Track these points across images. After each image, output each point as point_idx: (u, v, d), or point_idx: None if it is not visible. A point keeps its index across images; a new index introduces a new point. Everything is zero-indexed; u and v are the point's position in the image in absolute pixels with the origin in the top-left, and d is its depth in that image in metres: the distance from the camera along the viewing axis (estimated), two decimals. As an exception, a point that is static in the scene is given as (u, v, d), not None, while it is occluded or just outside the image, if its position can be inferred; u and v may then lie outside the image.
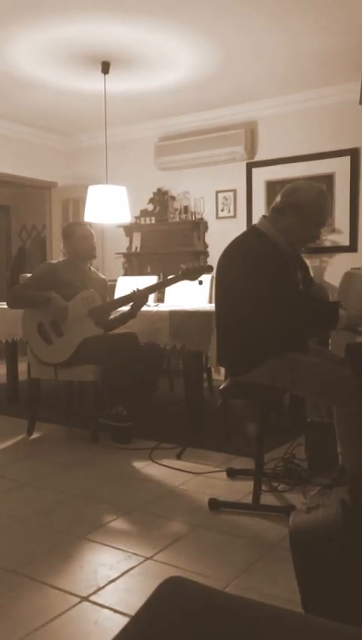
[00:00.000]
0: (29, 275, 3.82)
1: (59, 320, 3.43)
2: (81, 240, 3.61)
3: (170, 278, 3.55)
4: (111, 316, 3.60)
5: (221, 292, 2.54)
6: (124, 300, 3.55)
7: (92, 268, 3.81)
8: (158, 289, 3.61)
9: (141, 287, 3.53)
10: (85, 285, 3.58)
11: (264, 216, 2.54)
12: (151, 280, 4.76)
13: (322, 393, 2.37)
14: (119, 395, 3.50)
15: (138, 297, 3.46)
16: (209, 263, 5.91)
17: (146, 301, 3.52)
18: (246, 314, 2.40)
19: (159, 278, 5.21)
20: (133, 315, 3.53)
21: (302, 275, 2.62)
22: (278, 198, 2.49)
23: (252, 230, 2.56)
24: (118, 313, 3.62)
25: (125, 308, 3.59)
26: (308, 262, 2.94)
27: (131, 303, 3.51)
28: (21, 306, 3.53)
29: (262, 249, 2.42)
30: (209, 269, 3.42)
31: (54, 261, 3.81)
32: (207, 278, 4.72)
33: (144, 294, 3.46)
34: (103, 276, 3.90)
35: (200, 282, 3.48)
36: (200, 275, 3.38)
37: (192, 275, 3.37)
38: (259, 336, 2.40)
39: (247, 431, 3.37)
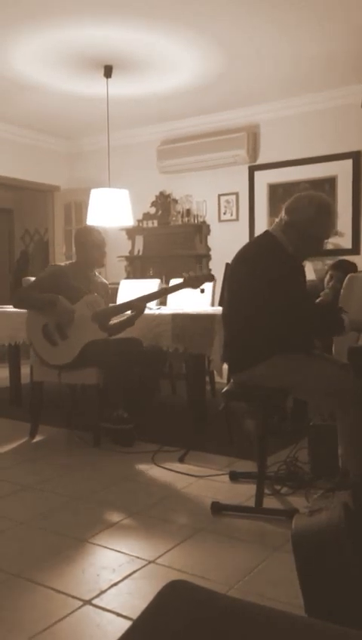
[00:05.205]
0: (33, 278, 3.83)
1: (65, 323, 3.44)
2: (93, 248, 3.63)
3: (173, 286, 3.58)
4: (114, 321, 3.61)
5: (231, 291, 2.61)
6: (126, 306, 3.57)
7: (96, 272, 3.83)
8: (160, 296, 3.63)
9: (144, 294, 3.54)
10: (90, 289, 3.60)
11: (277, 225, 2.58)
12: (154, 283, 4.77)
13: (325, 396, 2.38)
14: (120, 398, 3.51)
15: (136, 307, 3.47)
16: (211, 266, 5.98)
17: (144, 310, 3.52)
18: (255, 313, 2.45)
19: (161, 282, 5.21)
20: (130, 323, 3.53)
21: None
22: (283, 212, 2.52)
23: (265, 234, 2.62)
24: (123, 317, 3.63)
25: (127, 313, 3.60)
26: (311, 266, 2.97)
27: (129, 312, 3.52)
28: (27, 307, 3.55)
29: (274, 251, 2.48)
30: (211, 278, 3.44)
31: (62, 264, 3.83)
32: (209, 283, 4.72)
33: (142, 304, 3.47)
34: (105, 280, 3.92)
35: (202, 291, 3.51)
36: (203, 283, 3.40)
37: (195, 283, 3.40)
38: (266, 333, 2.43)
39: (247, 427, 3.36)
